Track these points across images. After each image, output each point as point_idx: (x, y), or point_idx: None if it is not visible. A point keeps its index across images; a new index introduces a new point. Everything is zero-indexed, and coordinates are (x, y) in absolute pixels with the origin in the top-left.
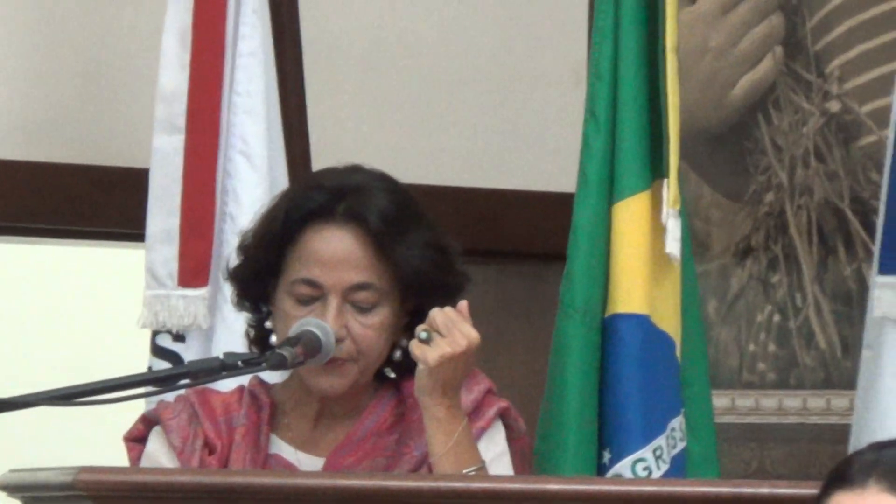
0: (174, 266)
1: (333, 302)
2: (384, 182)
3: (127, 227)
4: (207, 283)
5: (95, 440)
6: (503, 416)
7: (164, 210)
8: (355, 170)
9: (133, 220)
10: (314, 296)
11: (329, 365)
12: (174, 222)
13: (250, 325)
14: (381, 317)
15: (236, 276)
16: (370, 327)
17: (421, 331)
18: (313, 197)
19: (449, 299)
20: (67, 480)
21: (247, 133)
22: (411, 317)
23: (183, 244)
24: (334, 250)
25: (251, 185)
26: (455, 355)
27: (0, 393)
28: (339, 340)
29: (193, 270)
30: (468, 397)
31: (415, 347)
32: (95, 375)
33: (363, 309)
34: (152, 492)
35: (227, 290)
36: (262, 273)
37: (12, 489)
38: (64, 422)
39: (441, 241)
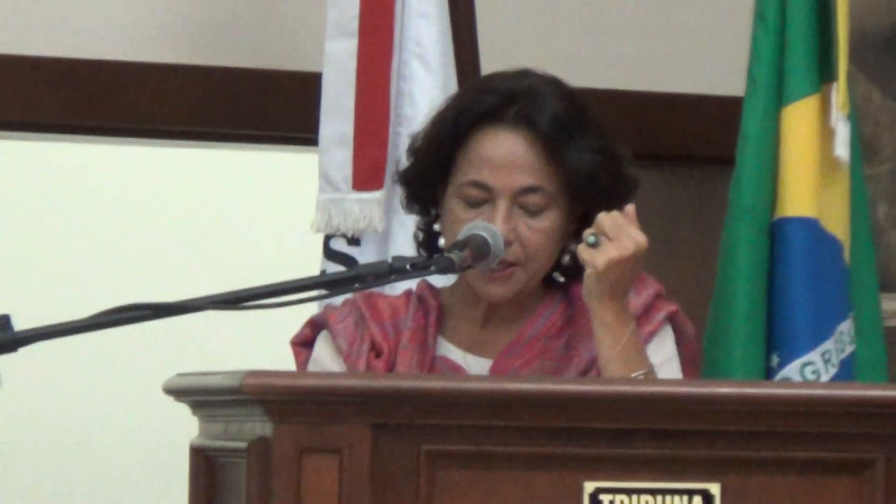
0: (348, 170)
1: (502, 205)
2: (555, 86)
3: (298, 131)
4: (383, 186)
5: (263, 344)
6: (672, 319)
7: (337, 114)
8: (526, 73)
9: (304, 124)
10: (483, 198)
11: (497, 272)
12: (348, 126)
13: (419, 228)
14: (549, 220)
15: (406, 177)
16: (539, 231)
17: (588, 235)
18: (484, 100)
19: (618, 204)
20: (234, 384)
21: (421, 36)
22: (580, 222)
23: (357, 148)
24: (504, 153)
25: (427, 87)
26: (623, 259)
27: (170, 297)
28: (507, 244)
29: (368, 174)
30: (637, 301)
31: (582, 251)
32: (267, 280)
33: (532, 212)
34: (319, 395)
35: None
36: (431, 175)
37: (179, 393)
38: (231, 326)
39: (611, 145)
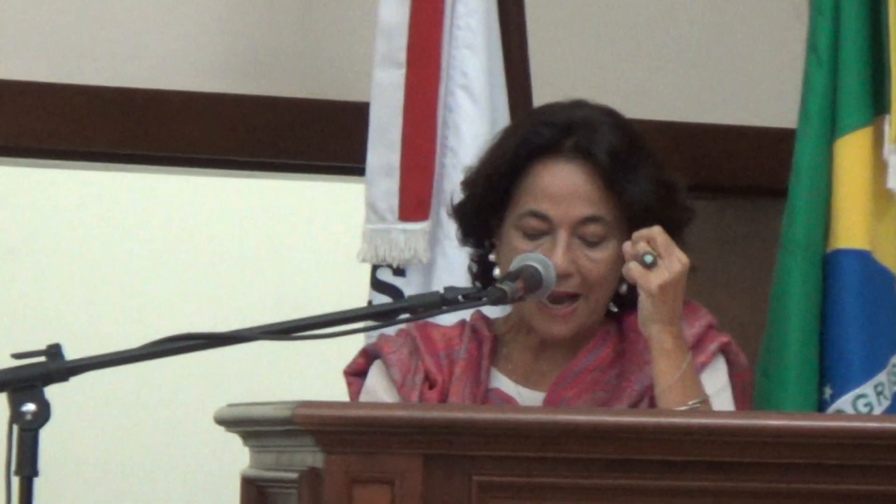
0: (395, 200)
1: (563, 236)
2: (611, 117)
3: (345, 160)
4: (428, 216)
5: (314, 375)
6: (724, 350)
7: (384, 144)
8: (581, 105)
9: (352, 154)
10: (542, 230)
11: (558, 310)
12: (395, 156)
13: (473, 260)
14: (608, 251)
15: (461, 211)
16: (599, 261)
17: (646, 253)
18: (541, 132)
19: (674, 234)
20: (285, 415)
21: (468, 67)
22: None
23: (404, 178)
24: (563, 185)
25: (472, 119)
26: (673, 281)
27: (219, 328)
28: (567, 275)
29: (414, 204)
30: (690, 332)
31: (634, 271)
32: (314, 310)
33: (591, 243)
34: (370, 426)
35: (448, 225)
36: (487, 208)
37: (230, 424)
38: (282, 356)
39: (667, 176)
